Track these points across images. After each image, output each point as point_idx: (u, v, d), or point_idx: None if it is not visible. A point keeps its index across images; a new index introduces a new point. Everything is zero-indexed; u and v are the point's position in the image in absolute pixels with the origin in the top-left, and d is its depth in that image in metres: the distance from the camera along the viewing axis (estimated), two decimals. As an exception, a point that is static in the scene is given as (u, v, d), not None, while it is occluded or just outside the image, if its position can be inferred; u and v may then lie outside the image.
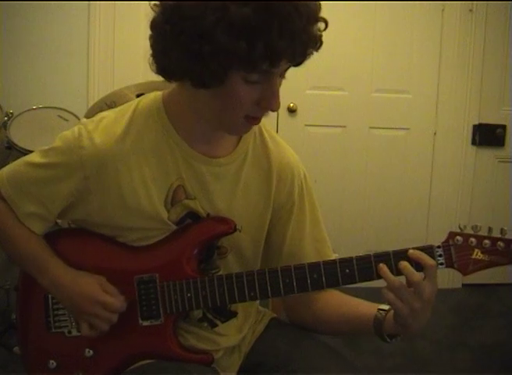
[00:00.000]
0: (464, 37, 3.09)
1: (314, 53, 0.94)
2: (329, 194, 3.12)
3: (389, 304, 1.00)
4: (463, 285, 3.16)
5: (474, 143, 3.18)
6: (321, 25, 0.93)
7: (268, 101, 0.95)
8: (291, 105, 3.06)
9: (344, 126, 3.16)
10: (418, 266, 0.97)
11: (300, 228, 1.15)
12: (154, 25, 0.93)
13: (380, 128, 3.17)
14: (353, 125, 3.16)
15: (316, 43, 0.93)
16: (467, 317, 2.86)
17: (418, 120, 3.18)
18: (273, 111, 0.97)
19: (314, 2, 0.90)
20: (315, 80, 3.00)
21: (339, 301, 1.14)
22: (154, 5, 0.92)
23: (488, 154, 3.21)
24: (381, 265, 0.99)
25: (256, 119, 0.99)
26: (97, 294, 1.04)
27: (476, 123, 3.16)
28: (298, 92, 3.01)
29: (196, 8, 0.85)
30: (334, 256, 1.13)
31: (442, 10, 3.09)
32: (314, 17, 0.91)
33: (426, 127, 3.19)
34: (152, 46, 0.94)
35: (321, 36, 0.94)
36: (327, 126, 3.15)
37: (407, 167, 3.21)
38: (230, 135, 1.07)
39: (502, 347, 2.55)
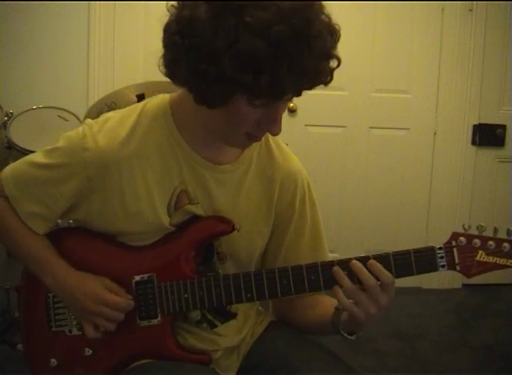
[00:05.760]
0: (463, 37, 3.09)
1: None
2: (329, 194, 3.12)
3: (345, 310, 0.98)
4: (463, 285, 3.16)
5: (474, 143, 3.18)
6: (334, 62, 0.90)
7: (269, 126, 0.94)
8: (291, 105, 3.06)
9: (344, 126, 3.16)
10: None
11: (299, 235, 1.15)
12: (167, 30, 0.90)
13: (380, 128, 3.17)
14: (353, 125, 3.16)
15: (326, 78, 0.90)
16: (467, 317, 2.86)
17: (418, 120, 3.18)
18: (273, 135, 0.97)
19: (331, 38, 0.88)
20: (315, 80, 3.00)
21: (313, 303, 1.13)
22: (172, 6, 0.89)
23: (488, 154, 3.21)
24: (335, 268, 0.98)
25: (256, 137, 0.99)
26: (102, 293, 1.03)
27: (476, 123, 3.16)
28: (298, 92, 3.01)
29: (209, 28, 0.82)
30: (331, 258, 1.13)
31: (442, 10, 3.09)
32: (327, 55, 0.88)
33: (426, 127, 3.19)
34: (163, 48, 0.92)
35: (332, 70, 0.91)
36: (327, 126, 3.15)
37: (407, 167, 3.21)
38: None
39: (502, 347, 2.54)
